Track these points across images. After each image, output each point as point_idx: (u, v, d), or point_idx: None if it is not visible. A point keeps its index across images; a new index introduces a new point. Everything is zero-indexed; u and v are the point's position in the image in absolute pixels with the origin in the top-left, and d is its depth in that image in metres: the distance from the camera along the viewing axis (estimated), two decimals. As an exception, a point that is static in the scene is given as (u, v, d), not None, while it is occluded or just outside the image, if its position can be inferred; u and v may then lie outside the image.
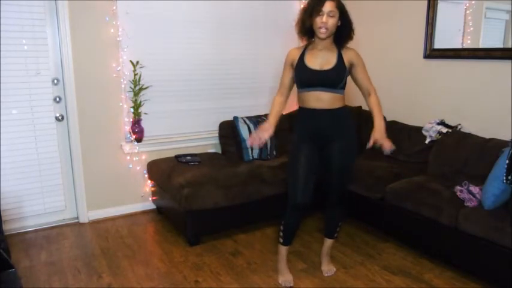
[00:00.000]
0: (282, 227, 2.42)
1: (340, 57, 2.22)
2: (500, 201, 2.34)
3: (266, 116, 3.67)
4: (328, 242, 2.56)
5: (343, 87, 2.26)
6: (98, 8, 3.10)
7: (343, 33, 2.20)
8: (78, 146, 3.20)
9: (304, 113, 2.31)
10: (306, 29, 2.22)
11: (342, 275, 2.54)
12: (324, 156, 2.32)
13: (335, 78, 2.21)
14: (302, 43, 2.35)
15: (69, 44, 3.04)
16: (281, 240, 2.44)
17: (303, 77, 2.24)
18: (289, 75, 2.35)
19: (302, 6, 2.25)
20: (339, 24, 2.16)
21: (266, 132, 2.28)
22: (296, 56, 2.29)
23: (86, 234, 3.12)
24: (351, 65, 2.25)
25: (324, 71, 2.20)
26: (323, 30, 2.13)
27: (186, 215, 2.83)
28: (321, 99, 2.22)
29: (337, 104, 2.25)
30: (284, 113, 3.77)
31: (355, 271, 2.59)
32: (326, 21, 2.11)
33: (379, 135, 2.23)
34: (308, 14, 2.17)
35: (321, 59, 2.22)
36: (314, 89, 2.22)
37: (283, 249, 2.46)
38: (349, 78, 2.29)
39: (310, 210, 2.74)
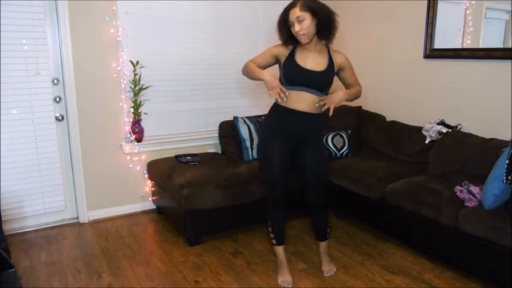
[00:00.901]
0: (269, 229, 2.44)
1: (330, 61, 2.22)
2: (500, 201, 2.34)
3: (266, 116, 3.68)
4: (323, 244, 2.56)
5: (327, 93, 2.25)
6: (98, 8, 3.10)
7: (325, 28, 2.13)
8: (78, 146, 3.20)
9: (282, 112, 2.25)
10: (287, 39, 2.20)
11: (342, 275, 2.54)
12: (299, 161, 2.32)
13: (325, 81, 2.20)
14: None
15: (69, 44, 3.04)
16: (274, 241, 2.45)
17: (293, 74, 2.19)
18: (265, 62, 2.28)
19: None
20: (316, 23, 2.10)
21: (273, 81, 2.14)
22: (284, 52, 2.24)
23: (86, 234, 3.12)
24: (340, 69, 2.26)
25: (316, 71, 2.18)
26: (301, 37, 2.12)
27: (186, 215, 2.83)
28: (306, 101, 2.19)
29: (318, 110, 2.24)
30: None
31: (355, 271, 2.59)
32: (299, 29, 2.09)
33: (334, 96, 2.18)
34: (280, 28, 2.18)
35: (312, 60, 2.20)
36: (302, 88, 2.18)
37: (279, 250, 2.47)
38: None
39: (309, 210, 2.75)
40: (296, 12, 2.07)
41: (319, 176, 2.34)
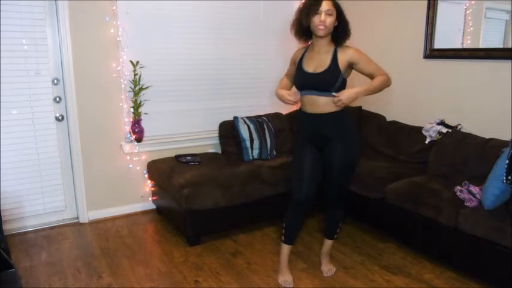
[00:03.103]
0: (283, 224, 2.43)
1: (334, 59, 2.19)
2: (500, 201, 2.34)
3: (266, 116, 3.68)
4: (328, 243, 2.57)
5: (339, 90, 2.21)
6: (98, 8, 3.10)
7: (339, 32, 2.20)
8: (78, 146, 3.20)
9: (302, 116, 2.35)
10: (303, 29, 2.22)
11: (342, 275, 2.54)
12: (324, 158, 2.33)
13: (327, 80, 2.18)
14: (300, 44, 2.37)
15: (69, 44, 3.04)
16: (282, 238, 2.44)
17: (298, 79, 2.30)
18: (292, 70, 2.42)
19: (298, 6, 2.26)
20: (336, 24, 2.17)
21: (288, 96, 2.29)
22: (298, 56, 2.35)
23: (86, 234, 3.12)
24: (351, 64, 2.22)
25: (316, 73, 2.20)
26: (321, 27, 2.13)
27: (186, 215, 2.83)
28: (316, 104, 2.22)
29: (333, 108, 2.22)
30: (284, 113, 3.79)
31: (355, 271, 2.59)
32: (324, 19, 2.12)
33: (346, 93, 2.17)
34: (305, 13, 2.17)
35: (317, 61, 2.22)
36: (308, 92, 2.24)
37: (284, 248, 2.45)
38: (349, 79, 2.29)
39: (311, 210, 2.75)
40: (329, 4, 2.13)
41: (340, 175, 2.33)
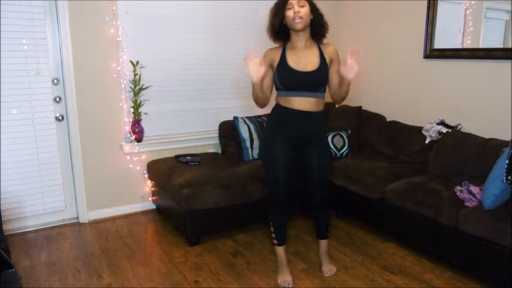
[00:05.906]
0: (272, 229, 2.44)
1: (321, 55, 2.20)
2: (500, 201, 2.34)
3: (266, 116, 3.67)
4: (323, 243, 2.55)
5: (324, 90, 2.25)
6: (98, 8, 3.10)
7: (317, 25, 2.19)
8: (78, 146, 3.20)
9: (284, 112, 2.24)
10: (279, 28, 2.19)
11: (342, 275, 2.54)
12: (304, 159, 2.31)
13: (319, 79, 2.18)
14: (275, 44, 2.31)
15: (69, 44, 3.04)
16: (275, 241, 2.45)
17: (287, 78, 2.18)
18: (267, 76, 2.22)
19: (270, 10, 2.23)
20: (311, 17, 2.15)
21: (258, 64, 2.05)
22: (276, 56, 2.22)
23: (86, 234, 3.12)
24: (330, 61, 2.22)
25: (308, 72, 2.16)
26: (298, 19, 2.10)
27: (186, 215, 2.83)
28: (306, 101, 2.20)
29: (320, 107, 2.25)
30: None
31: (355, 271, 2.59)
32: (298, 10, 2.10)
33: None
34: (277, 12, 2.17)
35: (304, 59, 2.19)
36: (298, 93, 2.18)
37: (280, 250, 2.46)
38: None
39: (308, 210, 2.74)
40: None
41: (323, 175, 2.36)
